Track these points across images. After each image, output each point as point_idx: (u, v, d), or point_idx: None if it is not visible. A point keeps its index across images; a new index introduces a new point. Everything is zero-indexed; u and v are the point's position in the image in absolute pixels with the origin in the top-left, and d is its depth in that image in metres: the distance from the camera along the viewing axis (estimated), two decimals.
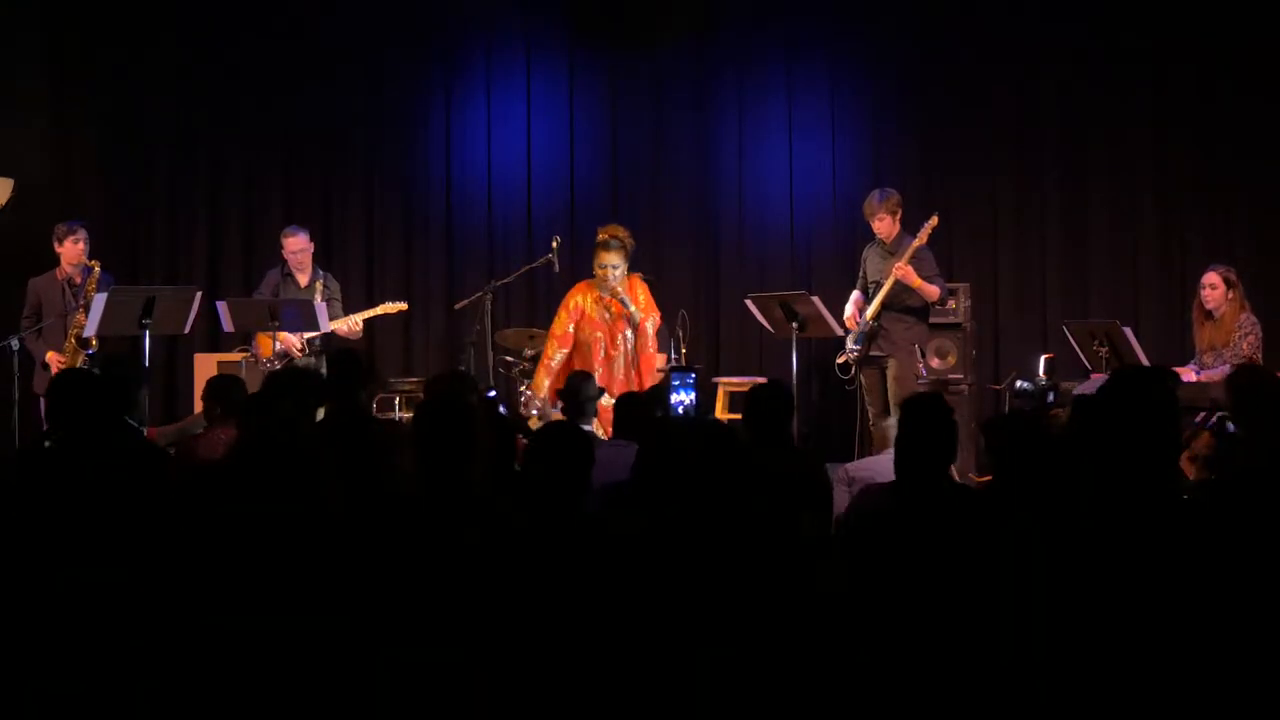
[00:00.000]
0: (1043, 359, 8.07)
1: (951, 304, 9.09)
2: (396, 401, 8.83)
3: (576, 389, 6.27)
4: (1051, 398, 7.70)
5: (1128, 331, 7.98)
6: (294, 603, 3.68)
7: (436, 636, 3.51)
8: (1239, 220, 9.69)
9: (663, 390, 7.69)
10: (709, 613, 3.74)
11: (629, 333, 8.32)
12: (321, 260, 9.06)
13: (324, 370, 8.17)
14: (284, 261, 8.76)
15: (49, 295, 8.28)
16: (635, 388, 7.97)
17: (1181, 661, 3.10)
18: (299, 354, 8.37)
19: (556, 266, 8.93)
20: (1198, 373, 7.86)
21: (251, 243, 10.15)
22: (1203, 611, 3.12)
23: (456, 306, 9.46)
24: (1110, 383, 3.41)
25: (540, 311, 9.92)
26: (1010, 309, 9.91)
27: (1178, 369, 7.59)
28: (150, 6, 10.13)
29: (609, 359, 8.24)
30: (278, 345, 8.41)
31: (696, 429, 4.34)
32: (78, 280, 8.27)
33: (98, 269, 8.21)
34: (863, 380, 8.46)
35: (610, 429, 6.70)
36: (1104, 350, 7.86)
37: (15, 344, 8.16)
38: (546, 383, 8.20)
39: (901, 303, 8.30)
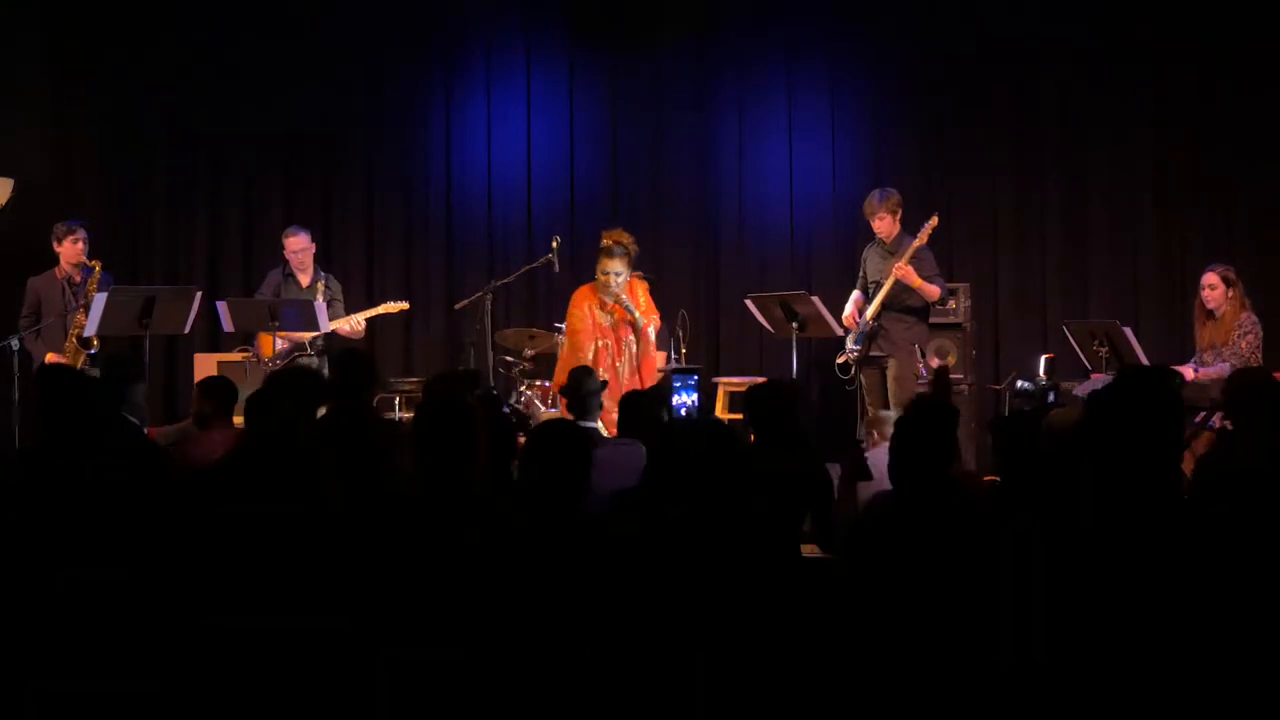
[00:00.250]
0: (1043, 359, 8.07)
1: (951, 304, 9.09)
2: (396, 401, 8.82)
3: (579, 384, 6.25)
4: (1052, 398, 7.70)
5: (1128, 331, 7.98)
6: (294, 603, 3.68)
7: (436, 636, 3.51)
8: (1239, 220, 9.68)
9: (665, 390, 7.70)
10: (709, 614, 3.74)
11: (632, 338, 8.32)
12: (321, 260, 9.06)
13: (325, 370, 8.18)
14: (285, 262, 8.76)
15: (49, 295, 8.28)
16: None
17: (1182, 662, 3.10)
18: (307, 347, 8.36)
19: (556, 266, 8.93)
20: (1195, 370, 7.87)
21: (251, 243, 10.15)
22: (1204, 612, 3.11)
23: (456, 306, 9.46)
24: (1115, 382, 3.41)
25: (540, 311, 9.92)
26: (1010, 309, 9.91)
27: (1177, 367, 7.60)
28: (150, 6, 10.12)
29: (614, 368, 8.24)
30: (280, 344, 8.41)
31: (698, 429, 4.34)
32: (77, 280, 8.27)
33: (99, 269, 8.21)
34: (863, 380, 8.46)
35: (614, 429, 6.70)
36: (1104, 350, 7.86)
37: (15, 344, 8.16)
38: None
39: (901, 303, 8.30)
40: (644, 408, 5.89)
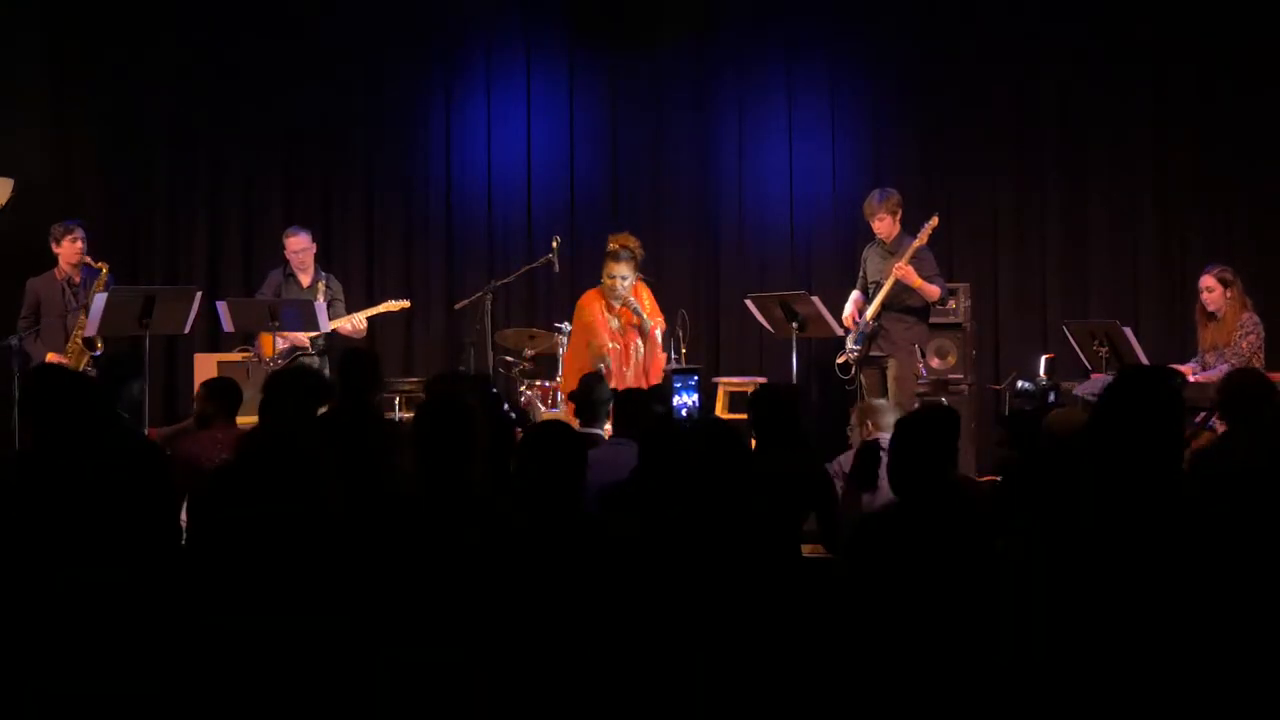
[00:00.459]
0: (1043, 359, 8.07)
1: (951, 304, 9.09)
2: (396, 401, 8.83)
3: (590, 390, 6.23)
4: (1052, 398, 7.70)
5: (1128, 331, 7.98)
6: (294, 603, 3.68)
7: (436, 636, 3.51)
8: (1239, 220, 9.69)
9: (664, 387, 7.70)
10: (709, 614, 3.74)
11: (639, 341, 8.33)
12: (322, 260, 9.06)
13: (326, 370, 8.18)
14: (285, 262, 8.75)
15: (48, 295, 8.28)
16: None
17: (1183, 662, 3.10)
18: (306, 345, 8.36)
19: (556, 266, 8.93)
20: (1196, 371, 7.87)
21: (251, 243, 10.15)
22: (1204, 612, 3.12)
23: (456, 306, 9.46)
24: (1116, 381, 3.41)
25: (540, 311, 9.92)
26: (1010, 309, 9.91)
27: (1178, 367, 7.59)
28: (150, 7, 10.13)
29: (621, 373, 8.24)
30: (281, 344, 8.41)
31: (699, 429, 4.34)
32: (77, 280, 8.27)
33: (106, 271, 8.22)
34: (863, 380, 8.45)
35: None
36: (1104, 350, 7.87)
37: (15, 343, 8.16)
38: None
39: (902, 303, 8.30)
40: (640, 405, 5.87)
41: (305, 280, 8.69)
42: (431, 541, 3.62)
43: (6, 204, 9.48)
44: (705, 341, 10.02)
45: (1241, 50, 9.57)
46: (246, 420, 5.91)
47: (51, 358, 8.05)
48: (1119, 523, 3.18)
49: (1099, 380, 7.64)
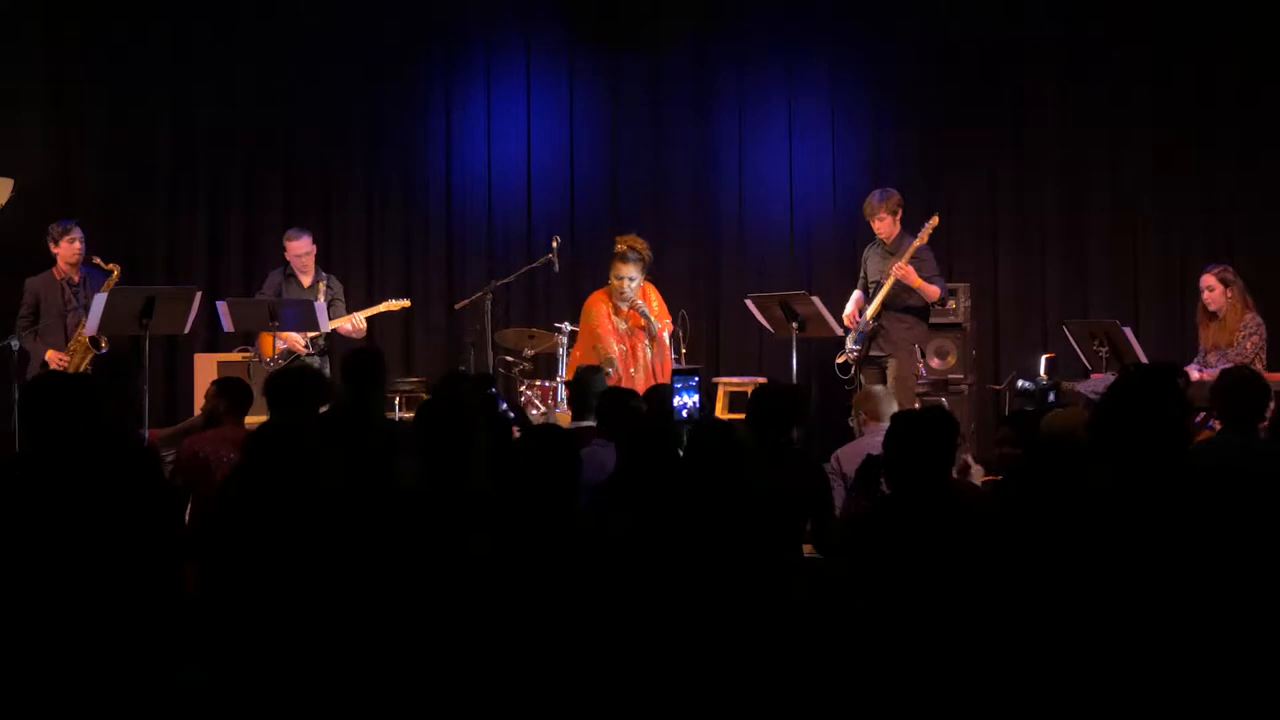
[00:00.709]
0: (1043, 359, 8.06)
1: (951, 304, 9.09)
2: (396, 401, 8.82)
3: (585, 382, 6.20)
4: (1052, 397, 7.70)
5: (1128, 331, 7.98)
6: (293, 602, 3.68)
7: (436, 636, 3.51)
8: (1239, 220, 9.68)
9: (656, 387, 7.67)
10: (706, 614, 3.74)
11: (646, 343, 8.33)
12: (321, 260, 9.04)
13: (327, 370, 8.18)
14: (286, 262, 8.74)
15: (47, 295, 8.27)
16: None
17: (1183, 662, 3.10)
18: (303, 351, 8.36)
19: (556, 266, 8.93)
20: (1198, 371, 7.87)
21: (251, 243, 10.14)
22: (1204, 612, 3.12)
23: (456, 306, 9.46)
24: (1120, 379, 3.41)
25: (540, 311, 9.92)
26: (1010, 309, 9.91)
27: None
28: (150, 7, 10.12)
29: (629, 374, 8.23)
30: (280, 344, 8.40)
31: (697, 428, 4.33)
32: (76, 280, 8.27)
33: (116, 272, 8.21)
34: (863, 380, 8.44)
35: None
36: (1104, 350, 7.86)
37: (15, 343, 8.16)
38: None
39: (902, 303, 8.30)
40: (619, 405, 5.68)
41: (306, 281, 8.69)
42: (432, 541, 3.62)
43: (6, 204, 9.47)
44: (705, 342, 10.02)
45: (1241, 50, 9.56)
46: (255, 420, 5.91)
47: (51, 355, 8.05)
48: (1125, 517, 3.18)
49: (1099, 380, 7.64)
